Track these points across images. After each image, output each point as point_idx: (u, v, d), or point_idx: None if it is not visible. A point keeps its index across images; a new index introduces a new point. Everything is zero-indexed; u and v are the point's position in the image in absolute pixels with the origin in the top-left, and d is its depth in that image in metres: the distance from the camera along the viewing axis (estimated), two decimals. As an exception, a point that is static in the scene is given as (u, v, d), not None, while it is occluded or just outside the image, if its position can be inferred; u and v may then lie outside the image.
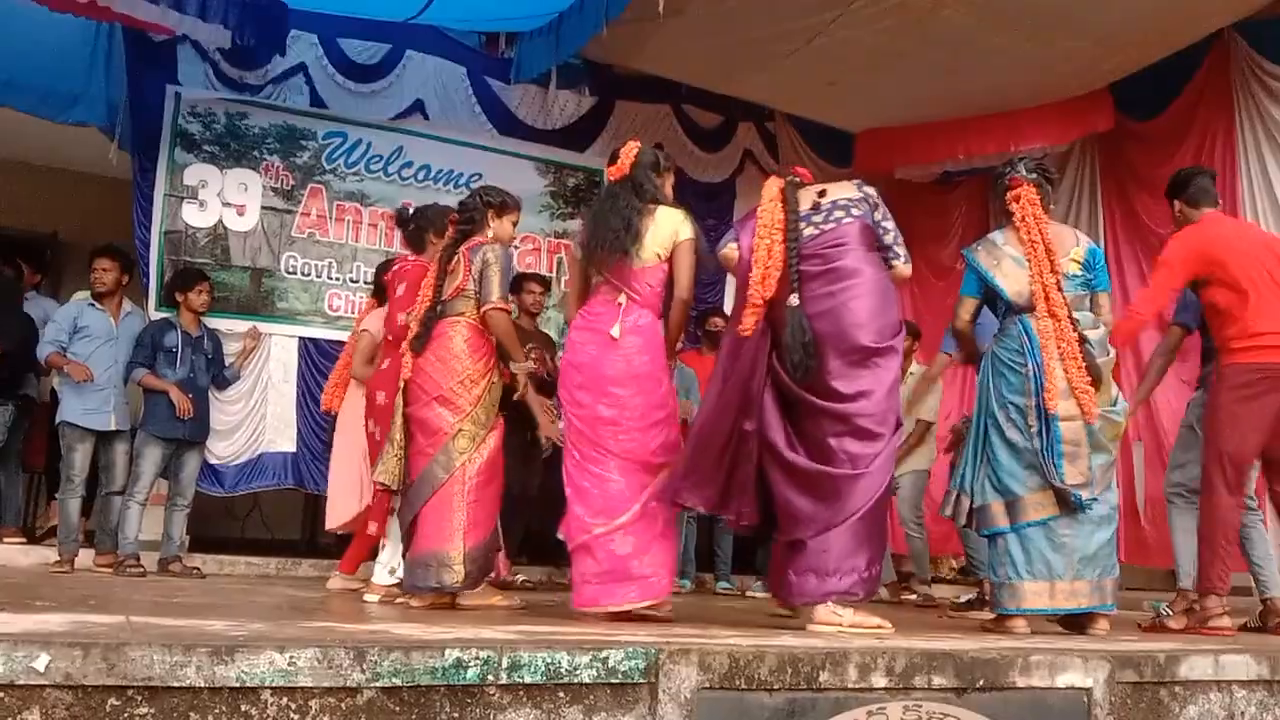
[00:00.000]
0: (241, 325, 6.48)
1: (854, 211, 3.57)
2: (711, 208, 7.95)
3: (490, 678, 2.21)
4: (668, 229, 3.71)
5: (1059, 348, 3.75)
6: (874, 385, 3.41)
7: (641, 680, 2.34)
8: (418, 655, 2.17)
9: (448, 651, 2.19)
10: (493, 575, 4.41)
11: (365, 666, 2.12)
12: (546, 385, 5.27)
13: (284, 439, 6.70)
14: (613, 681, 2.32)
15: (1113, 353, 3.92)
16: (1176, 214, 4.60)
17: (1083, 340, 3.77)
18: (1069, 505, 3.70)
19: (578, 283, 3.90)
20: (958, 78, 6.82)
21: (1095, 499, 3.74)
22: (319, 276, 6.90)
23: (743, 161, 8.36)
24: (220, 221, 6.70)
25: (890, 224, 3.63)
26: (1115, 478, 3.98)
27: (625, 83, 7.84)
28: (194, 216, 6.65)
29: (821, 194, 3.64)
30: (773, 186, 3.69)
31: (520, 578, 5.66)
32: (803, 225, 3.56)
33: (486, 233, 4.31)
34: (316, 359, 6.75)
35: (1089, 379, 3.72)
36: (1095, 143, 7.72)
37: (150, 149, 6.59)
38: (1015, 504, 3.77)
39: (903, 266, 3.63)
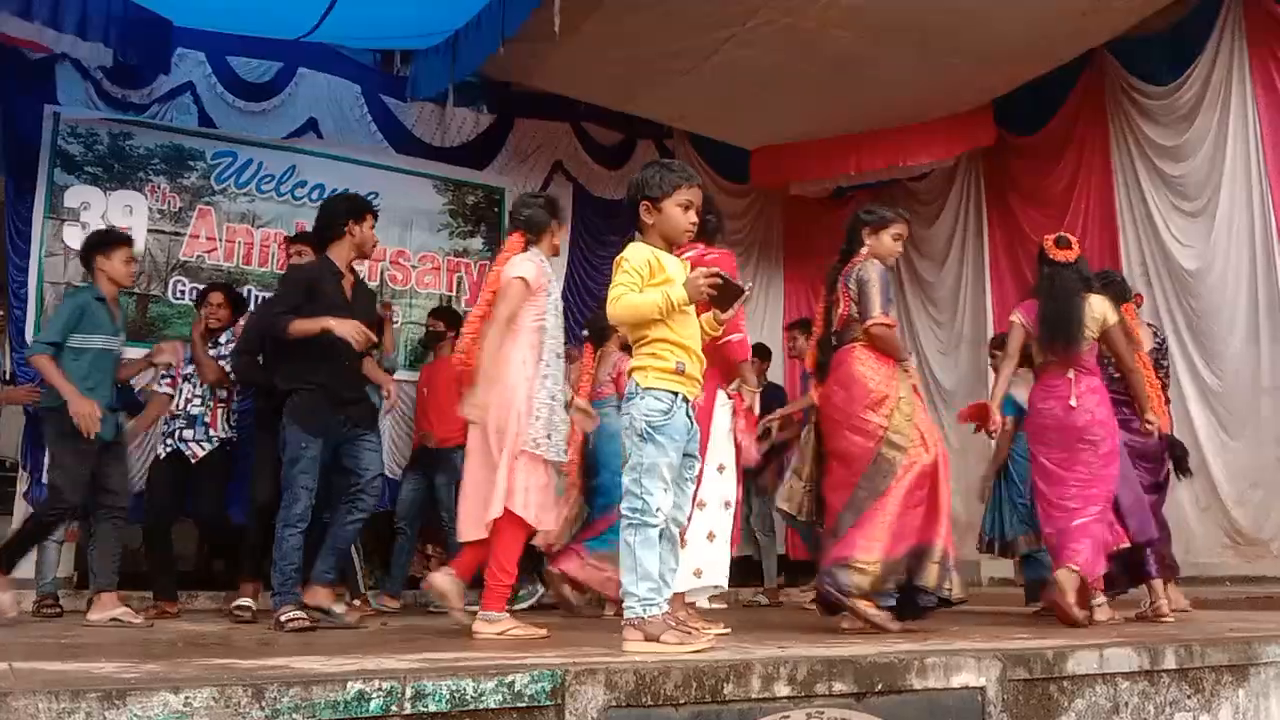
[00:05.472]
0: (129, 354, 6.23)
1: None
2: (612, 225, 8.00)
3: (394, 709, 2.18)
4: (1099, 316, 4.54)
5: None
6: None
7: (548, 703, 2.34)
8: (318, 689, 2.13)
9: (349, 684, 2.16)
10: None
11: (264, 704, 2.07)
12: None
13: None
14: (519, 705, 2.31)
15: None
16: None
17: None
18: None
19: (1015, 345, 4.70)
20: (848, 95, 7.02)
21: None
22: (210, 301, 6.71)
23: (642, 178, 8.44)
24: (104, 245, 6.47)
25: None
26: None
27: (524, 100, 7.85)
28: (76, 239, 6.38)
29: None
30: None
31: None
32: None
33: (862, 250, 4.31)
34: (210, 385, 6.55)
35: None
36: (979, 158, 8.02)
37: (27, 170, 6.33)
38: None
39: None
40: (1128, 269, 6.92)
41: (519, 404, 3.85)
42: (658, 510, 3.05)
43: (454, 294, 7.57)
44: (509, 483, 3.78)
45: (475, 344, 3.93)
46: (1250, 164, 6.41)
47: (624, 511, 3.09)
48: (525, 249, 4.04)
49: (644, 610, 3.03)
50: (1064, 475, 4.49)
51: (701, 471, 3.83)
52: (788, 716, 2.58)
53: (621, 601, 3.13)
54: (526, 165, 8.00)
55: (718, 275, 3.11)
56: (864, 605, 3.90)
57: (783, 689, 2.59)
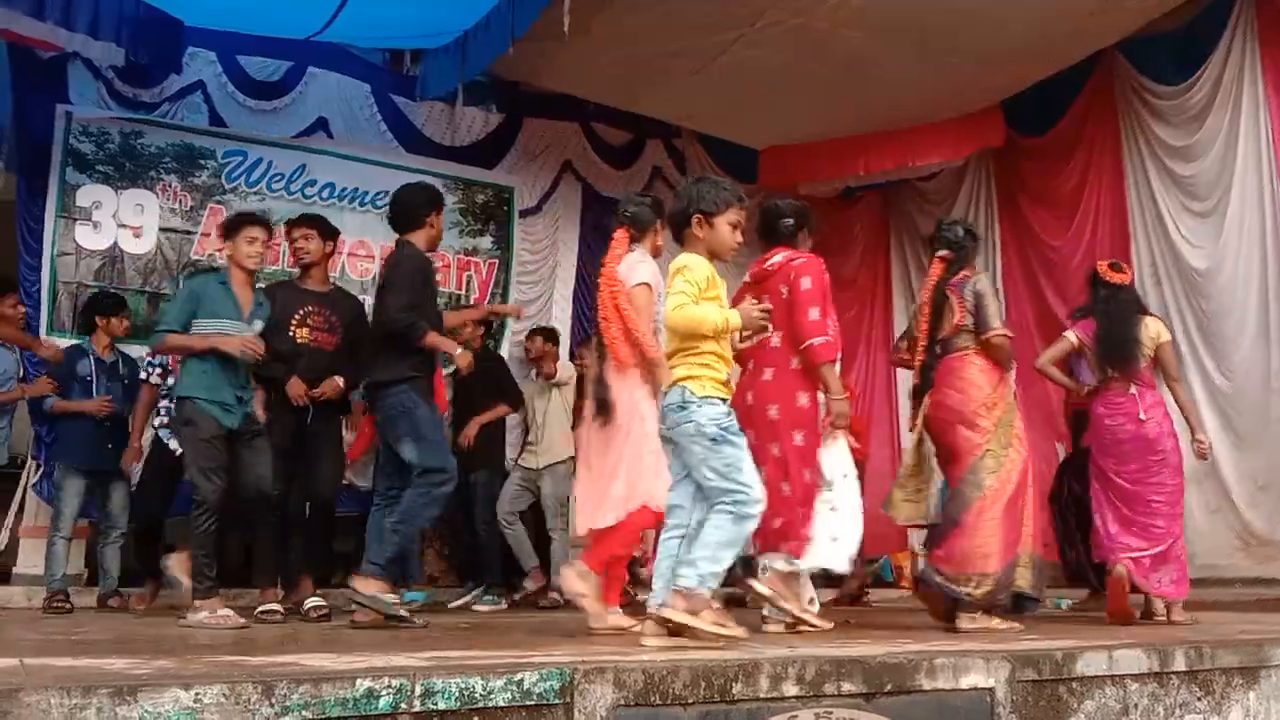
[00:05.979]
0: (137, 351, 6.25)
1: None
2: (621, 224, 7.98)
3: (403, 706, 2.19)
4: (1155, 334, 4.87)
5: None
6: None
7: (557, 701, 2.34)
8: (328, 686, 2.14)
9: (359, 681, 2.17)
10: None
11: (274, 700, 2.08)
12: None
13: (189, 466, 6.51)
14: (528, 704, 2.31)
15: None
16: None
17: None
18: None
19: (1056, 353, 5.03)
20: (857, 95, 7.00)
21: None
22: (221, 299, 6.73)
23: (652, 178, 8.42)
24: (116, 244, 6.50)
25: None
26: None
27: (533, 99, 7.85)
28: (88, 238, 6.44)
29: None
30: None
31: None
32: None
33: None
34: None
35: None
36: (989, 158, 8.00)
37: (39, 169, 6.35)
38: None
39: None
40: (1138, 269, 6.89)
41: (643, 407, 3.92)
42: (760, 497, 3.18)
43: (464, 292, 7.58)
44: (630, 481, 3.88)
45: (621, 346, 3.95)
46: (1261, 164, 6.38)
47: (728, 505, 3.16)
48: (630, 247, 4.09)
49: (699, 583, 3.11)
50: (1140, 491, 4.76)
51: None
52: (796, 716, 2.58)
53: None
54: (536, 164, 8.00)
55: (769, 311, 3.48)
56: (986, 618, 4.15)
57: (791, 689, 2.59)
